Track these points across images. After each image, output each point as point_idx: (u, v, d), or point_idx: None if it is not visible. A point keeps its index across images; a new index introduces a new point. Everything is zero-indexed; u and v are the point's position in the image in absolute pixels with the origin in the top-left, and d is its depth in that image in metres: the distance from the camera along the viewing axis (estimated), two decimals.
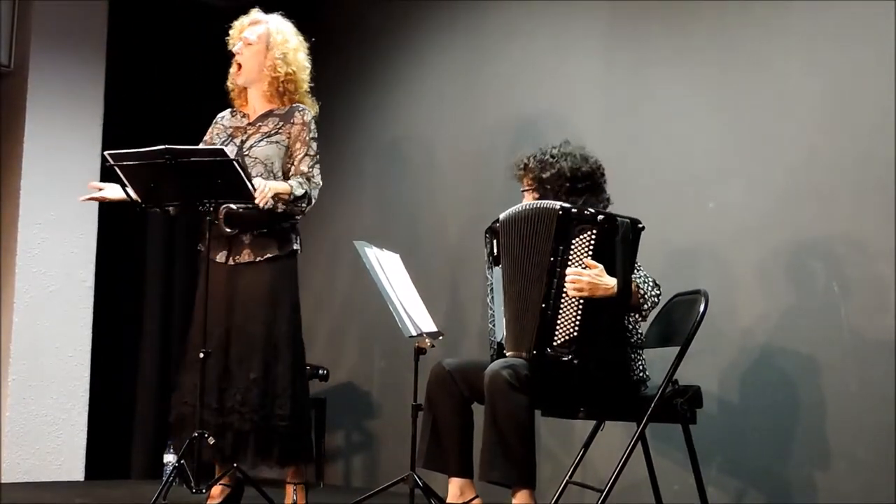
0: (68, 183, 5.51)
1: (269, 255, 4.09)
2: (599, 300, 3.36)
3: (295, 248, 4.16)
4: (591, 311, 3.36)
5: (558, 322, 3.38)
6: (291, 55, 4.17)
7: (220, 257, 4.12)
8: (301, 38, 4.25)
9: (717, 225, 4.38)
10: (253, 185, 3.85)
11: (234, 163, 3.82)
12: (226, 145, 4.15)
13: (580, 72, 4.91)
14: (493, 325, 3.64)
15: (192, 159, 3.82)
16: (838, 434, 3.97)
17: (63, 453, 5.43)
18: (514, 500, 3.34)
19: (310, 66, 4.25)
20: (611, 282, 3.36)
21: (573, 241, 3.39)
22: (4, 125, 5.55)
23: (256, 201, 3.88)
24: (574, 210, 3.42)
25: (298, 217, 4.17)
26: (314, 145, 4.13)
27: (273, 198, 3.93)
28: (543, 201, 3.53)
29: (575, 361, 3.35)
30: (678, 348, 3.57)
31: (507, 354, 3.53)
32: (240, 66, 4.17)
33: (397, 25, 5.73)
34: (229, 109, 4.32)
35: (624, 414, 3.65)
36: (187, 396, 4.09)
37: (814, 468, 4.01)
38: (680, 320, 3.64)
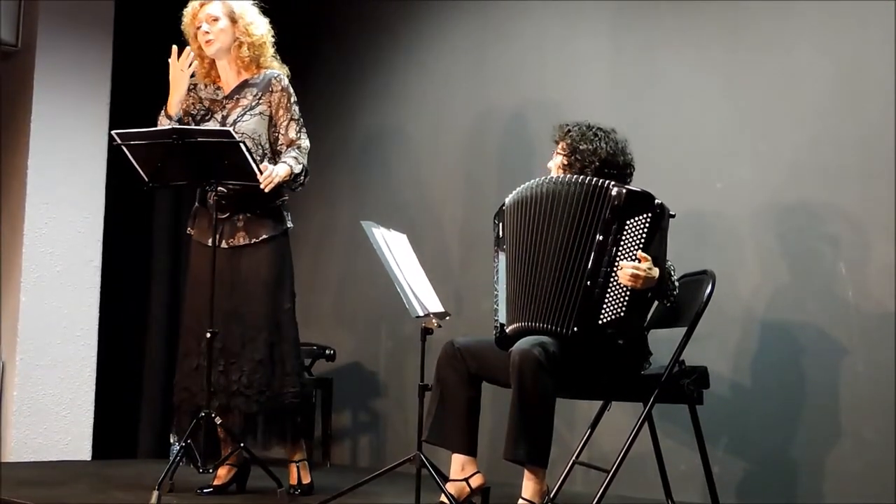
0: (75, 162, 5.52)
1: (265, 236, 4.11)
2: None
3: (288, 225, 4.19)
4: (637, 293, 3.36)
5: (605, 301, 3.37)
6: (257, 21, 4.22)
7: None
8: (252, 1, 4.28)
9: (725, 205, 4.37)
10: (260, 169, 3.89)
11: (241, 144, 3.84)
12: (206, 120, 4.18)
13: (588, 52, 4.89)
14: (498, 306, 3.64)
15: (200, 139, 3.83)
16: (844, 415, 3.97)
17: (70, 433, 5.44)
18: (526, 479, 3.34)
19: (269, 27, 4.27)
20: (657, 273, 3.37)
21: (627, 222, 3.37)
22: (12, 104, 5.55)
23: (262, 186, 3.91)
24: (626, 190, 3.39)
25: (286, 196, 4.19)
26: (296, 109, 4.18)
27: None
28: (584, 177, 3.47)
29: (620, 341, 3.36)
30: (685, 329, 3.57)
31: (509, 328, 3.52)
32: (209, 42, 4.16)
33: (404, 5, 5.71)
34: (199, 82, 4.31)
35: (630, 394, 3.65)
36: (186, 382, 4.13)
37: (819, 448, 4.01)
38: (687, 301, 3.63)
